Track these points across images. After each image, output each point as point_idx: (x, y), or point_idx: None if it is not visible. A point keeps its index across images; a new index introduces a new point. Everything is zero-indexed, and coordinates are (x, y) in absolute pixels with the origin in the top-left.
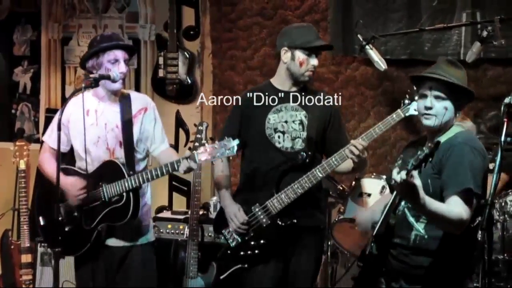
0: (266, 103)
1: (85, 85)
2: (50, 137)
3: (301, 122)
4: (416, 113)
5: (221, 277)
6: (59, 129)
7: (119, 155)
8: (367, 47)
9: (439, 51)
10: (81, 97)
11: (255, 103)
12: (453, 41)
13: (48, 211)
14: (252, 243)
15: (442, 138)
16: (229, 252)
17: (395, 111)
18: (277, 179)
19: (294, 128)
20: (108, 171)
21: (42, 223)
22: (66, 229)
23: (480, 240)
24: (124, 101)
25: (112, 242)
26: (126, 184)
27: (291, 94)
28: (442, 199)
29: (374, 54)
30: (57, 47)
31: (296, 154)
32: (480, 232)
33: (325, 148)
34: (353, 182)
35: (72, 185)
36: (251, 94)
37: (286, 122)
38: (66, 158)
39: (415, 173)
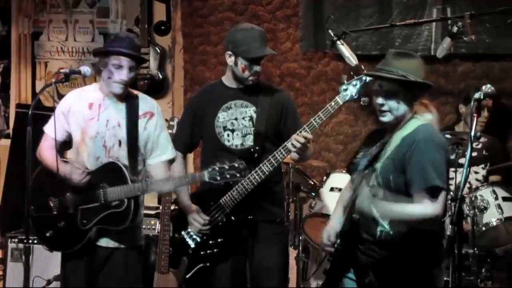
0: (216, 102)
1: (56, 80)
2: (49, 127)
3: (251, 118)
4: (350, 98)
5: (186, 276)
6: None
7: (117, 154)
8: (338, 42)
9: (410, 47)
10: (83, 90)
11: (205, 103)
12: (423, 37)
13: (40, 203)
14: (211, 242)
15: (403, 132)
16: (190, 252)
17: (334, 99)
18: None
19: (244, 125)
20: (110, 173)
21: (33, 214)
22: (59, 224)
23: (450, 235)
24: (131, 101)
25: (99, 242)
26: (129, 191)
27: (240, 90)
28: (407, 194)
29: (345, 50)
30: (28, 42)
31: (247, 151)
32: (450, 226)
33: (283, 140)
34: (324, 177)
35: (67, 169)
36: (201, 94)
37: (236, 119)
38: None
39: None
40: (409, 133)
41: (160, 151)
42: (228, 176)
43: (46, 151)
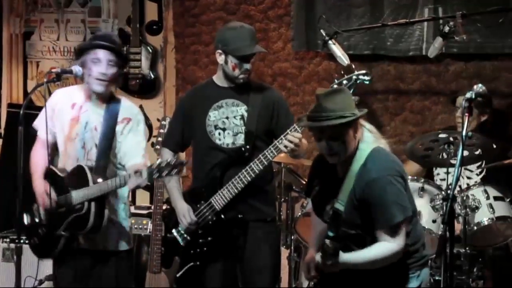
0: (207, 101)
1: (47, 80)
2: (38, 126)
3: (242, 117)
4: None
5: (177, 275)
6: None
7: (94, 157)
8: (330, 42)
9: (402, 46)
10: (70, 89)
11: (196, 102)
12: (415, 37)
13: (28, 210)
14: (201, 240)
15: (356, 165)
16: (180, 250)
17: None
18: (219, 176)
19: (235, 124)
20: (76, 176)
21: (26, 222)
22: (40, 231)
23: (442, 234)
24: (112, 106)
25: (86, 245)
26: (88, 192)
27: (231, 89)
28: (369, 227)
29: (337, 49)
30: (19, 41)
31: (237, 150)
32: (441, 226)
33: (276, 138)
34: None
35: (40, 190)
36: (192, 93)
37: (227, 118)
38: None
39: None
40: (362, 166)
41: (129, 156)
42: (165, 173)
43: (37, 154)
